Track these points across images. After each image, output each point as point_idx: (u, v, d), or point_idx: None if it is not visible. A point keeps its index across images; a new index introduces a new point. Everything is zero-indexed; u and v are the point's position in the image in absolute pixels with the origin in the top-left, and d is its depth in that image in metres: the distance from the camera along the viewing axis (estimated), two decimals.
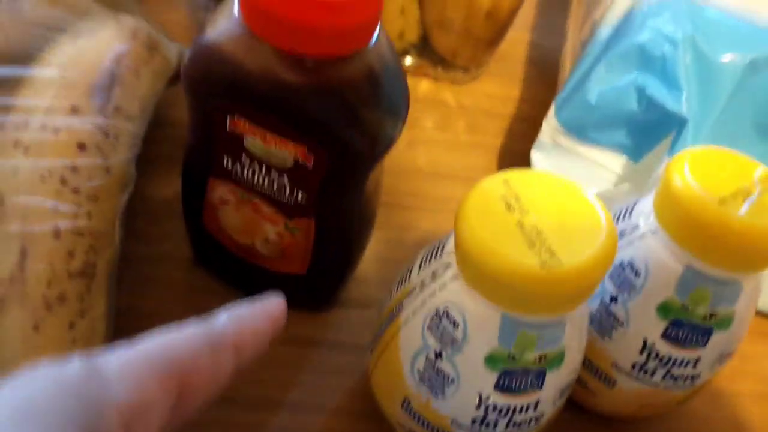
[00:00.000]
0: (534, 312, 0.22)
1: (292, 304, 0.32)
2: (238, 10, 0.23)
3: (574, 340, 0.24)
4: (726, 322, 0.26)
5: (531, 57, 0.49)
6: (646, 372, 0.27)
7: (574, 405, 0.31)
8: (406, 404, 0.26)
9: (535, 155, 0.36)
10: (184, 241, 0.33)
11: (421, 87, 0.45)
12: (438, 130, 0.43)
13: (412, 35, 0.43)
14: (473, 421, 0.24)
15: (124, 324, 0.30)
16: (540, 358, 0.23)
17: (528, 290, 0.21)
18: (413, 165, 0.40)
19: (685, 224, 0.25)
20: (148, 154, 0.33)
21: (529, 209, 0.22)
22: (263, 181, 0.26)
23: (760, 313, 0.38)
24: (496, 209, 0.22)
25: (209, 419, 0.28)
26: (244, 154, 0.26)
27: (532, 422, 0.25)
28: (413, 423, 0.26)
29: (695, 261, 0.25)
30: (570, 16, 0.43)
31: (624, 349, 0.27)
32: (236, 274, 0.32)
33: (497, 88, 0.46)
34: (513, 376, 0.23)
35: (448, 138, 0.42)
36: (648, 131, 0.31)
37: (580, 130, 0.34)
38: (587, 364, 0.29)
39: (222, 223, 0.29)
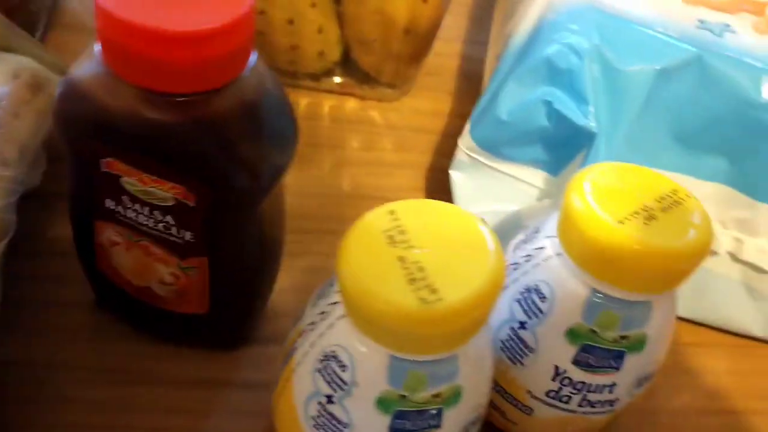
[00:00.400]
0: (420, 351, 0.21)
1: (199, 343, 0.31)
2: (98, 49, 0.22)
3: (471, 374, 0.22)
4: (639, 345, 0.25)
5: (463, 70, 0.48)
6: (561, 399, 0.26)
7: None
8: None
9: (454, 174, 0.35)
10: (88, 283, 0.31)
11: (347, 106, 0.44)
12: (364, 150, 0.41)
13: (334, 54, 0.42)
14: None
15: (20, 376, 0.29)
16: (435, 397, 0.22)
17: (408, 330, 0.20)
18: (337, 188, 0.39)
19: (585, 247, 0.24)
20: (49, 191, 0.32)
21: (413, 243, 0.21)
22: (148, 221, 0.25)
23: (697, 324, 0.37)
24: (378, 244, 0.21)
25: None
26: (124, 195, 0.25)
27: None
28: None
29: (599, 284, 0.24)
30: (492, 27, 0.42)
31: (536, 376, 0.26)
32: (139, 317, 0.30)
33: (427, 103, 0.45)
34: (407, 418, 0.22)
35: (375, 158, 0.41)
36: (561, 147, 0.30)
37: (493, 147, 0.33)
38: (503, 392, 0.28)
39: (115, 265, 0.28)
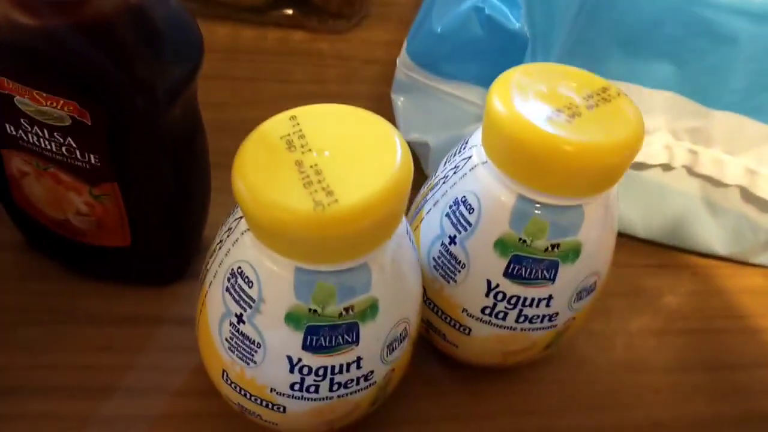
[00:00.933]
0: (324, 260, 0.20)
1: (132, 280, 0.30)
2: None
3: (387, 286, 0.21)
4: (573, 254, 0.24)
5: None
6: (497, 316, 0.25)
7: (447, 359, 0.29)
8: (225, 376, 0.23)
9: (395, 97, 0.33)
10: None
11: (294, 38, 0.42)
12: (310, 83, 0.40)
13: None
14: (292, 386, 0.22)
15: None
16: (346, 311, 0.21)
17: (304, 235, 0.19)
18: None
19: (507, 150, 0.22)
20: None
21: (312, 147, 0.20)
22: (51, 145, 0.24)
23: (658, 245, 0.35)
24: (275, 150, 0.20)
25: (24, 412, 0.26)
26: (22, 118, 0.23)
27: (362, 381, 0.23)
28: (238, 396, 0.24)
29: (525, 190, 0.23)
30: None
31: (470, 293, 0.25)
32: (67, 254, 0.29)
33: (380, 34, 0.43)
34: (319, 334, 0.21)
35: (320, 90, 0.39)
36: (499, 59, 0.29)
37: (431, 64, 0.31)
38: (440, 313, 0.27)
39: (30, 198, 0.27)
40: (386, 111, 0.37)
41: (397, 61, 0.33)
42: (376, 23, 0.44)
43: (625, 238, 0.35)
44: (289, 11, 0.42)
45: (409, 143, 0.34)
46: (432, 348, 0.29)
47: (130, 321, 0.29)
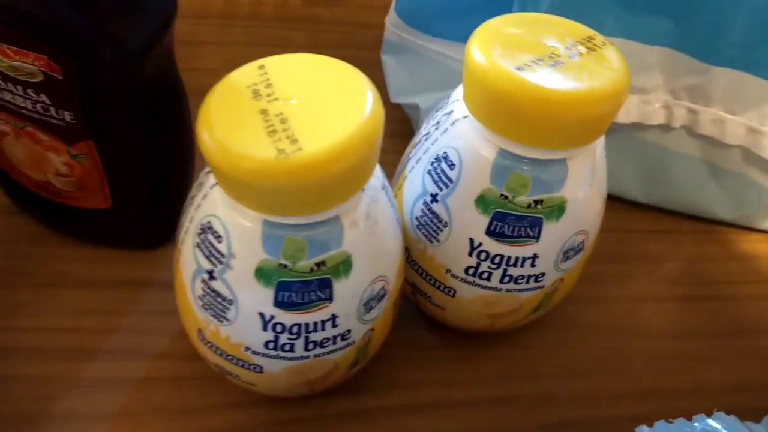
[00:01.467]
0: (291, 211, 0.19)
1: (119, 244, 0.30)
2: None
3: (361, 241, 0.21)
4: (557, 211, 0.23)
5: None
6: (480, 276, 0.24)
7: (436, 324, 0.29)
8: (201, 336, 0.23)
9: (386, 58, 0.32)
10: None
11: (291, 3, 0.41)
12: (307, 47, 0.39)
13: None
14: (266, 345, 0.22)
15: None
16: (318, 266, 0.20)
17: (267, 185, 0.18)
18: None
19: (486, 101, 0.22)
20: None
21: (279, 95, 0.19)
22: (26, 103, 0.24)
23: (659, 210, 0.34)
24: (241, 99, 0.19)
25: (7, 374, 0.26)
26: None
27: (338, 340, 0.22)
28: (215, 356, 0.23)
29: (505, 143, 0.22)
30: None
31: (453, 253, 0.24)
32: (51, 217, 0.29)
33: None
34: (291, 290, 0.20)
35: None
36: (488, 15, 0.28)
37: (422, 23, 0.30)
38: (425, 275, 0.26)
39: (11, 159, 0.27)
40: (382, 77, 0.36)
41: (386, 20, 0.32)
42: None
43: (624, 203, 0.34)
44: None
45: (400, 105, 0.34)
46: (420, 312, 0.29)
47: (116, 284, 0.29)
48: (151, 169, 0.26)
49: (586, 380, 0.29)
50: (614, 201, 0.33)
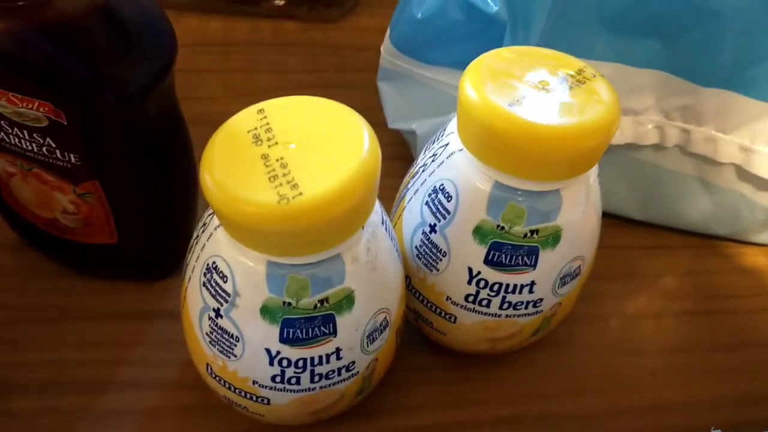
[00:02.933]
0: (294, 252, 0.20)
1: (125, 276, 0.30)
2: None
3: (362, 276, 0.21)
4: (552, 240, 0.24)
5: None
6: (480, 303, 0.25)
7: (439, 347, 0.29)
8: (209, 370, 0.24)
9: (381, 85, 0.33)
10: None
11: (287, 28, 0.42)
12: (305, 72, 0.40)
13: None
14: (273, 378, 0.22)
15: None
16: (321, 303, 0.21)
17: (270, 229, 0.19)
18: None
19: (480, 135, 0.22)
20: None
21: (279, 140, 0.20)
22: (32, 146, 0.24)
23: (655, 226, 0.35)
24: (242, 144, 0.20)
25: (18, 408, 0.26)
26: (1, 120, 0.24)
27: (343, 371, 0.23)
28: (223, 389, 0.24)
29: (500, 176, 0.22)
30: None
31: (453, 281, 0.25)
32: (59, 252, 0.30)
33: (373, 20, 0.43)
34: (296, 326, 0.21)
35: (314, 79, 0.39)
36: (479, 41, 0.28)
37: (414, 50, 0.31)
38: (426, 302, 0.26)
39: (18, 198, 0.27)
40: (378, 99, 0.36)
41: (381, 48, 0.33)
42: (368, 10, 0.44)
43: (620, 220, 0.35)
44: (281, 1, 0.42)
45: (397, 133, 0.34)
46: (423, 335, 0.29)
47: (123, 316, 0.29)
48: (155, 204, 0.27)
49: (586, 398, 0.29)
50: (610, 218, 0.34)
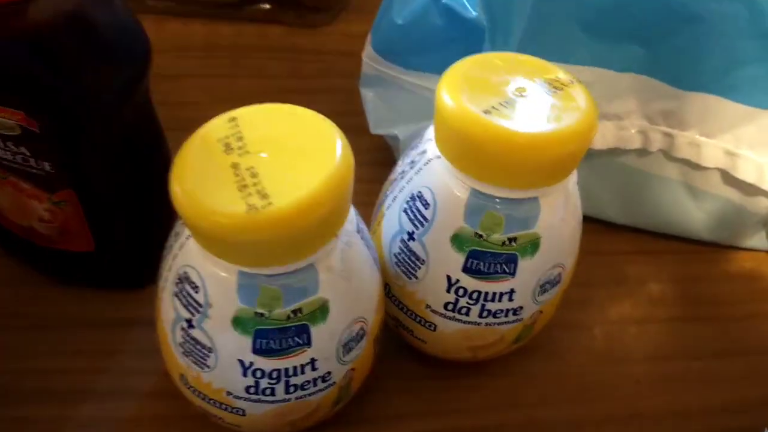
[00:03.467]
0: (265, 263, 0.19)
1: (102, 284, 0.30)
2: None
3: (336, 286, 0.21)
4: (531, 247, 0.23)
5: None
6: (460, 311, 0.25)
7: (420, 354, 0.29)
8: (183, 380, 0.23)
9: (364, 91, 0.33)
10: None
11: (271, 33, 0.42)
12: (288, 78, 0.40)
13: None
14: (247, 389, 0.22)
15: None
16: (294, 313, 0.20)
17: (239, 239, 0.18)
18: None
19: (456, 143, 0.22)
20: None
21: (250, 148, 0.19)
22: (5, 154, 0.24)
23: (639, 231, 0.35)
24: (212, 153, 0.19)
25: (3, 418, 0.26)
26: None
27: (319, 382, 0.23)
28: (198, 400, 0.24)
29: (477, 183, 0.22)
30: None
31: (432, 289, 0.25)
32: (37, 260, 0.29)
33: (359, 26, 0.42)
34: (269, 337, 0.21)
35: (297, 85, 0.39)
36: (461, 48, 0.28)
37: (396, 56, 0.31)
38: (405, 310, 0.26)
39: None
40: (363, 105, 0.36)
41: (363, 54, 0.33)
42: (354, 16, 0.43)
43: (604, 225, 0.35)
44: (266, 6, 0.41)
45: (381, 138, 0.34)
46: (404, 342, 0.29)
47: (102, 325, 0.29)
48: (132, 212, 0.27)
49: (571, 406, 0.29)
50: (593, 223, 0.34)
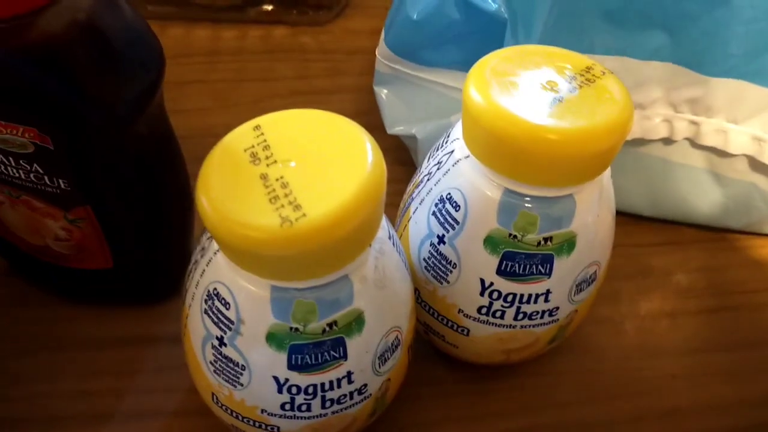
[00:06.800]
0: (299, 276, 0.19)
1: (121, 300, 0.29)
2: None
3: (372, 297, 0.20)
4: (568, 246, 0.23)
5: None
6: (494, 315, 0.24)
7: (451, 359, 0.28)
8: (215, 399, 0.23)
9: (378, 90, 0.32)
10: None
11: (276, 34, 0.41)
12: (296, 79, 0.39)
13: None
14: (282, 406, 0.21)
15: None
16: (329, 326, 0.20)
17: (273, 254, 0.17)
18: None
19: (487, 142, 0.21)
20: None
21: (278, 158, 0.19)
22: (19, 173, 0.23)
23: (666, 222, 0.34)
24: (239, 164, 0.19)
25: None
26: None
27: (355, 395, 0.22)
28: (230, 418, 0.23)
29: (510, 183, 0.21)
30: None
31: (464, 293, 0.24)
32: (53, 280, 0.29)
33: (364, 22, 0.42)
34: (304, 352, 0.20)
35: (307, 86, 0.38)
36: (480, 41, 0.27)
37: (411, 53, 0.30)
38: (436, 315, 0.25)
39: (8, 226, 0.26)
40: (374, 103, 0.35)
41: (377, 52, 0.32)
42: (359, 11, 0.43)
43: (629, 217, 0.34)
44: (269, 6, 0.40)
45: (397, 136, 0.33)
46: (433, 347, 0.28)
47: (123, 343, 0.28)
48: (150, 226, 0.26)
49: (605, 404, 0.28)
50: (618, 216, 0.33)
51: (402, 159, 0.34)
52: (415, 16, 0.29)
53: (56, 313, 0.29)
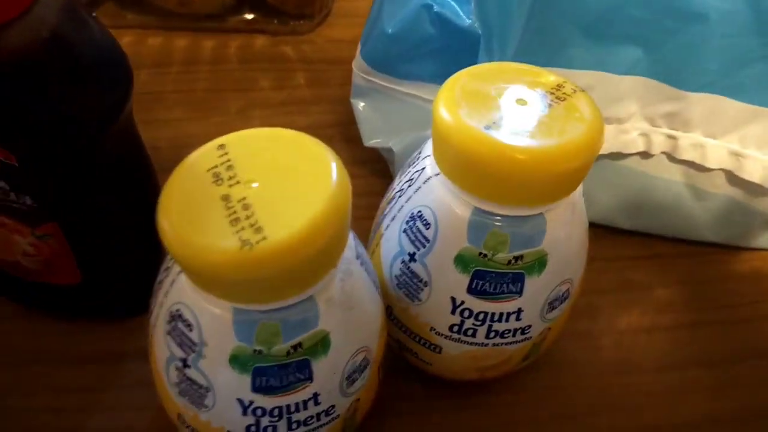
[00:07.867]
0: (262, 299, 0.18)
1: (91, 316, 0.29)
2: None
3: (338, 318, 0.20)
4: (538, 265, 0.22)
5: None
6: (466, 333, 0.24)
7: (424, 376, 0.28)
8: (181, 419, 0.22)
9: (354, 102, 0.32)
10: None
11: (256, 43, 0.40)
12: (276, 89, 0.38)
13: None
14: (247, 428, 0.21)
15: None
16: (294, 348, 0.19)
17: (234, 277, 0.17)
18: None
19: (456, 160, 0.21)
20: None
21: (241, 178, 0.18)
22: None
23: (643, 235, 0.34)
24: (202, 184, 0.18)
25: None
26: None
27: (323, 416, 0.21)
28: None
29: (479, 201, 0.21)
30: None
31: (436, 312, 0.24)
32: (23, 294, 0.28)
33: (345, 31, 0.42)
34: (269, 375, 0.20)
35: (287, 96, 0.38)
36: (455, 55, 0.27)
37: (387, 66, 0.30)
38: (409, 332, 0.25)
39: None
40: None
41: (353, 65, 0.31)
42: (340, 21, 0.42)
43: (608, 230, 0.34)
44: (249, 15, 0.40)
45: (374, 149, 0.33)
46: (409, 364, 0.28)
47: (94, 359, 0.28)
48: (119, 241, 0.25)
49: (583, 421, 0.28)
50: (597, 228, 0.33)
51: (380, 171, 0.34)
52: (390, 30, 0.28)
53: (26, 328, 0.29)
